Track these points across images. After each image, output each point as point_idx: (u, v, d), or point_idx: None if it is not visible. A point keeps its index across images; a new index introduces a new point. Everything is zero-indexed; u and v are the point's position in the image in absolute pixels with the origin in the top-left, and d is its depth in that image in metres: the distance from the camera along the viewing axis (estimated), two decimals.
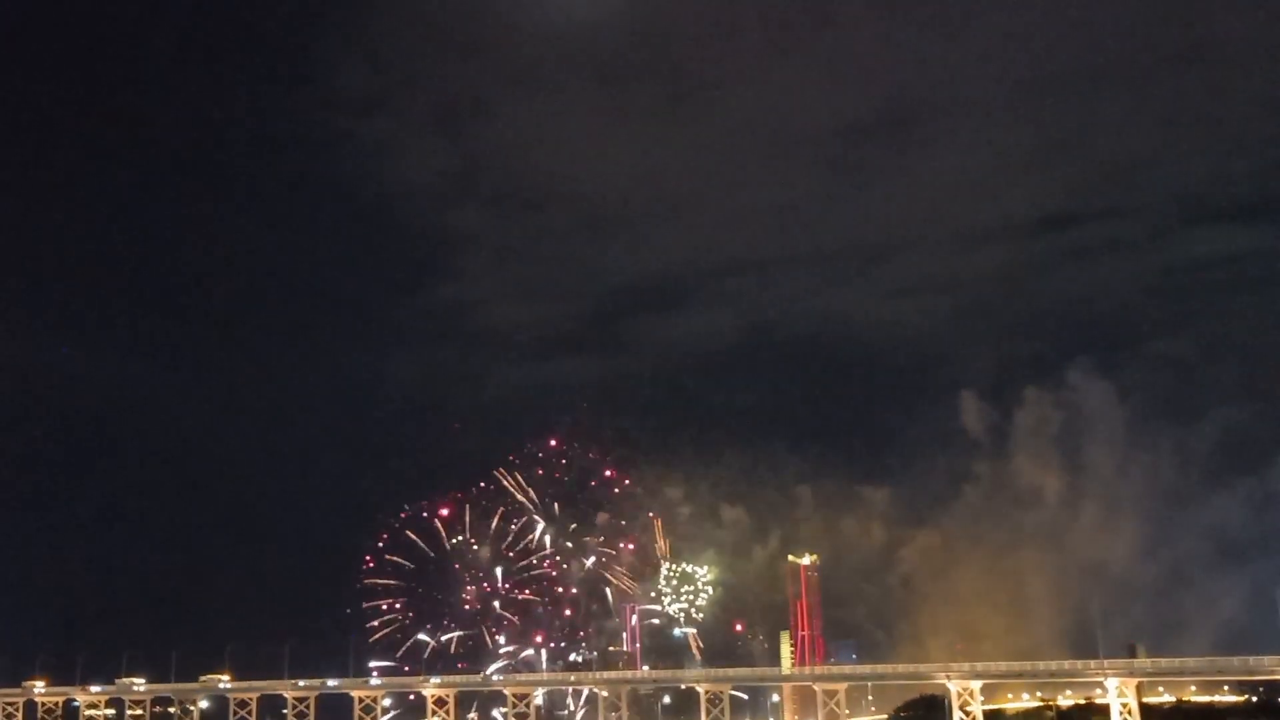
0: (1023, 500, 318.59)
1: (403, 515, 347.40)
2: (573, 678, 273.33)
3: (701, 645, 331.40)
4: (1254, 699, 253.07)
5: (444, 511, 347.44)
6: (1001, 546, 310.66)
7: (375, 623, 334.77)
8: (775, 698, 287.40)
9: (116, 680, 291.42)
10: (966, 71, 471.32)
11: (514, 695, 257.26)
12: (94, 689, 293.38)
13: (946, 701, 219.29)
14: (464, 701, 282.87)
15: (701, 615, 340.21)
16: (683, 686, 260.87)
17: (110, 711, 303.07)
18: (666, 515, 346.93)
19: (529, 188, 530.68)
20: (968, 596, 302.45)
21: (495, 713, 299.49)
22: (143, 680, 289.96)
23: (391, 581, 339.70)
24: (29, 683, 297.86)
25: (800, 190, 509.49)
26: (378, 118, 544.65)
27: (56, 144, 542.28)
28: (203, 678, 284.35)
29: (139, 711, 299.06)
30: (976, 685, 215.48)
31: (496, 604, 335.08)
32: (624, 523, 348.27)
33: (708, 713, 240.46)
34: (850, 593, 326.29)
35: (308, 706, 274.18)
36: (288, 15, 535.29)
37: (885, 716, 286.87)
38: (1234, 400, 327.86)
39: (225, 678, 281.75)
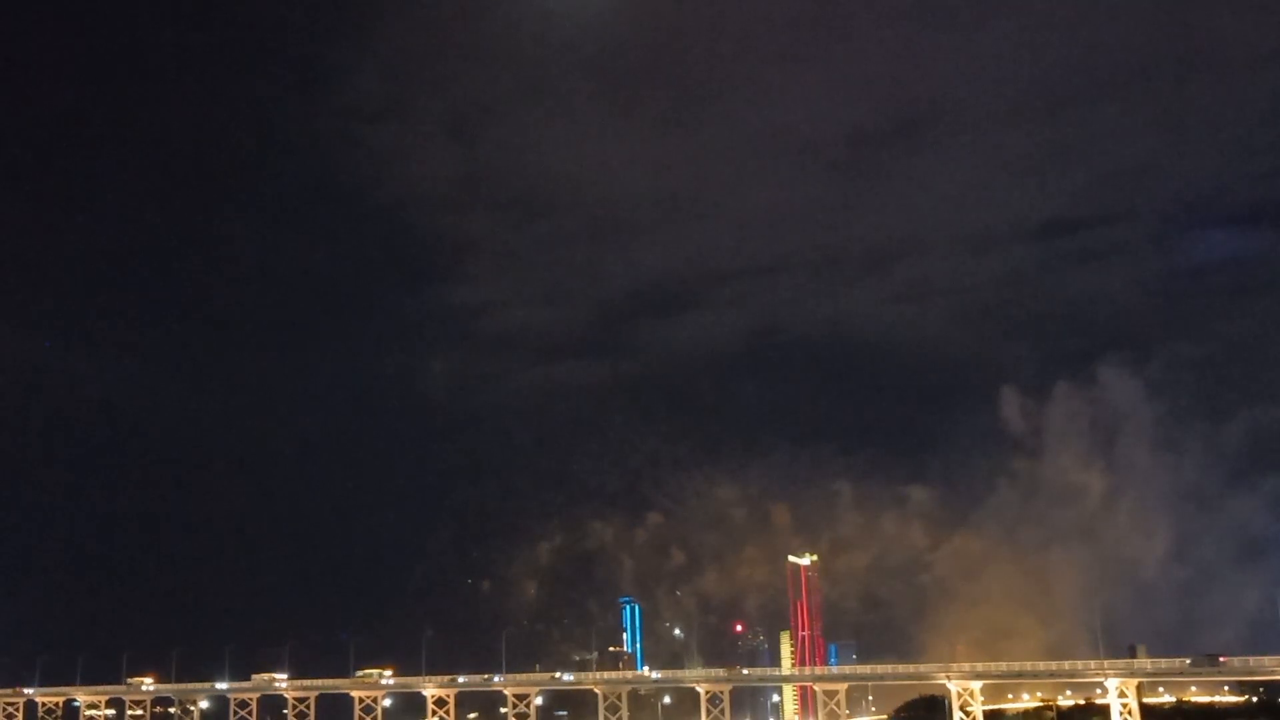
0: (1055, 497, 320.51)
1: None
2: (573, 678, 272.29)
3: None
4: (1254, 699, 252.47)
5: None
6: (1033, 544, 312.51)
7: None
8: (775, 698, 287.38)
9: (253, 676, 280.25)
10: (972, 78, 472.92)
11: (513, 696, 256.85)
12: (221, 685, 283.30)
13: (946, 702, 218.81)
14: (464, 702, 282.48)
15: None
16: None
17: (110, 712, 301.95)
18: (720, 515, 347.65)
19: (537, 193, 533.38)
20: (999, 595, 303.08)
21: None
22: (284, 676, 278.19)
23: None
24: (135, 679, 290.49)
25: (806, 195, 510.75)
26: (388, 124, 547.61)
27: (63, 146, 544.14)
28: (361, 673, 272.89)
29: (139, 712, 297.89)
30: (976, 685, 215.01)
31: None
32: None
33: (708, 713, 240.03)
34: (887, 593, 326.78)
35: (308, 706, 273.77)
36: (299, 24, 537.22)
37: (886, 716, 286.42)
38: (1249, 402, 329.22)
39: (390, 672, 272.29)
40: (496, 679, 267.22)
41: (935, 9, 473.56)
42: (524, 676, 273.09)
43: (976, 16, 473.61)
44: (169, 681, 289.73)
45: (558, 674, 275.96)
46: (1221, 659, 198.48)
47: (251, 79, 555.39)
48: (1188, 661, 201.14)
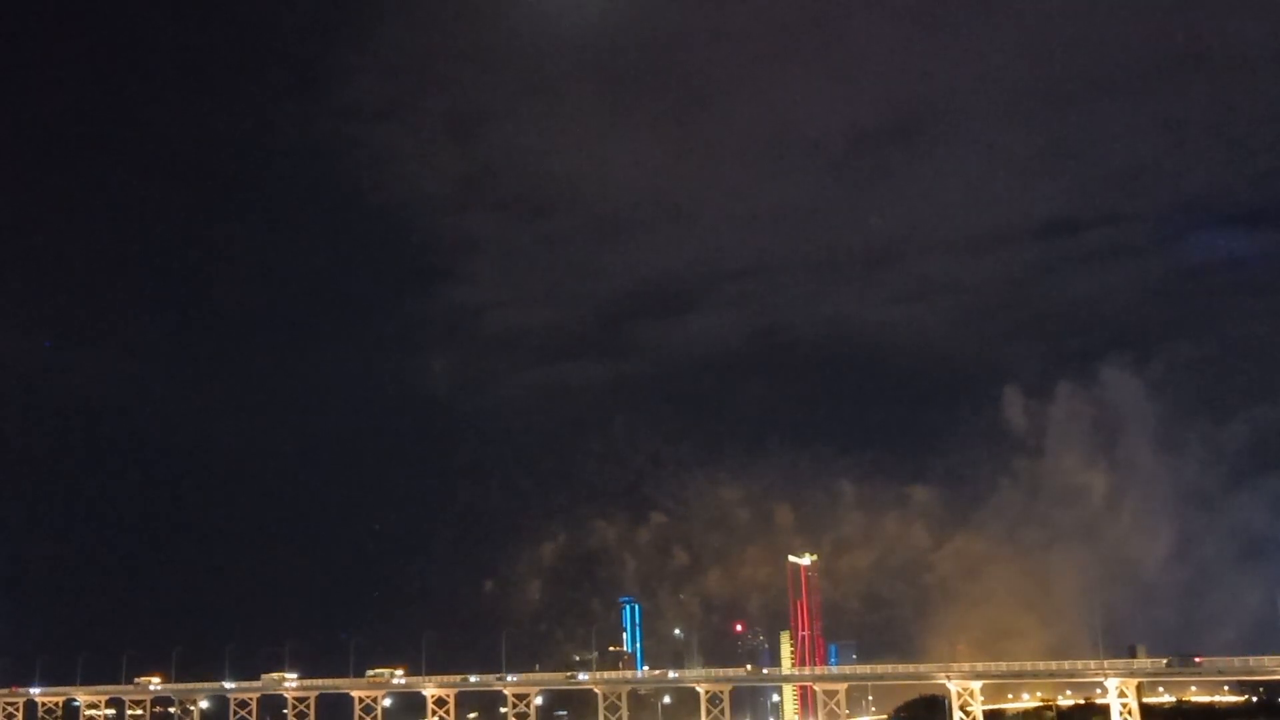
0: (1057, 497, 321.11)
1: None
2: (586, 677, 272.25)
3: None
4: (1255, 699, 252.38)
5: None
6: (1036, 544, 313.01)
7: None
8: (775, 698, 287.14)
9: (263, 676, 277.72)
10: (972, 78, 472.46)
11: (513, 696, 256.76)
12: (229, 685, 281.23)
13: (946, 702, 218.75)
14: (464, 702, 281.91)
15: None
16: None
17: (110, 712, 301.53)
18: (722, 515, 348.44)
19: (537, 193, 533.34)
20: (1001, 595, 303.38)
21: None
22: (295, 676, 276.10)
23: None
24: (142, 679, 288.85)
25: (806, 195, 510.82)
26: (388, 125, 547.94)
27: (63, 146, 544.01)
28: (371, 672, 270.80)
29: (139, 712, 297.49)
30: (976, 685, 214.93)
31: None
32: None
33: (708, 713, 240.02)
34: (889, 593, 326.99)
35: (308, 707, 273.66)
36: (299, 25, 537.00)
37: (886, 716, 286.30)
38: (1250, 402, 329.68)
39: (400, 672, 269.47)
40: (511, 678, 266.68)
41: (935, 9, 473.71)
42: (538, 676, 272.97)
43: (977, 16, 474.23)
44: (179, 681, 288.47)
45: (575, 674, 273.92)
46: (1198, 659, 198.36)
47: (251, 80, 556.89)
48: (1164, 662, 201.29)
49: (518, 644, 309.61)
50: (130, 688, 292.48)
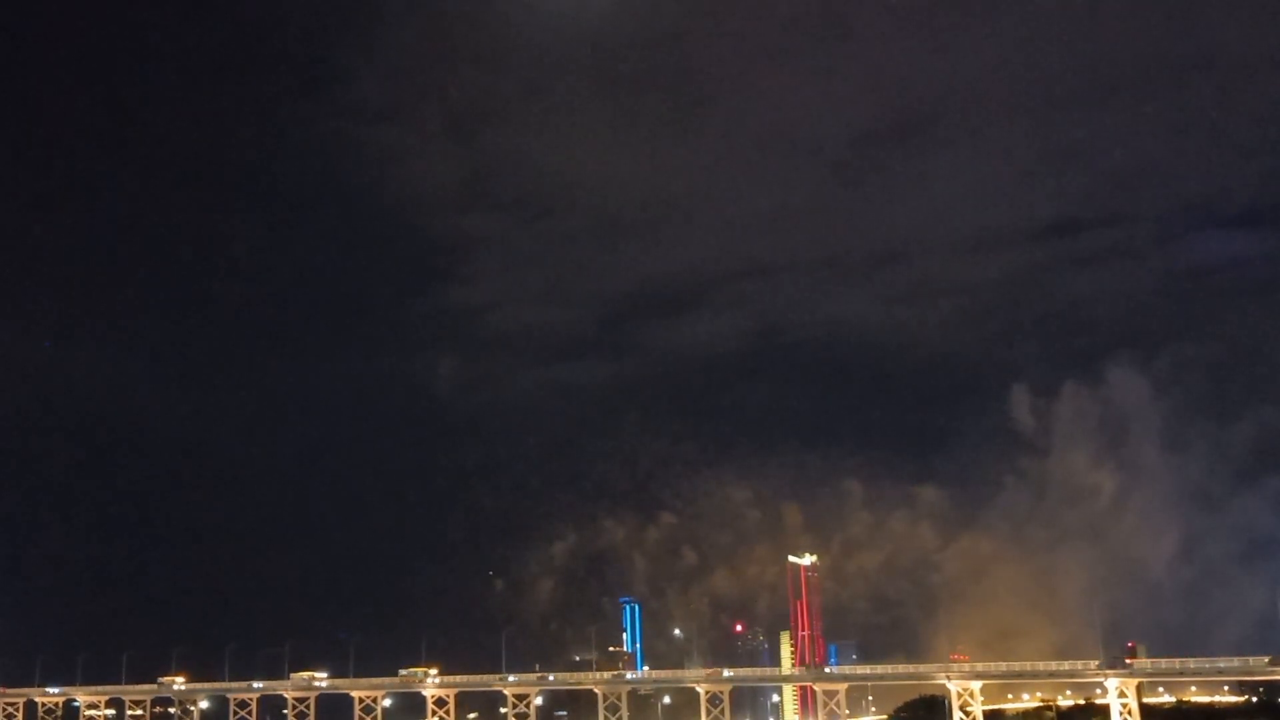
0: (1062, 497, 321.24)
1: None
2: (573, 678, 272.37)
3: None
4: (1254, 699, 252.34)
5: None
6: (1041, 544, 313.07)
7: None
8: (775, 698, 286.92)
9: (292, 675, 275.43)
10: (975, 79, 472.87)
11: (513, 696, 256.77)
12: (256, 684, 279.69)
13: (946, 702, 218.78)
14: (464, 702, 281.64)
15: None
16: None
17: (110, 712, 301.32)
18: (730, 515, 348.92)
19: (540, 194, 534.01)
20: (1007, 594, 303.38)
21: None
22: (325, 675, 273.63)
23: None
24: (166, 679, 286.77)
25: (808, 195, 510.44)
26: (391, 126, 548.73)
27: (63, 146, 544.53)
28: (403, 672, 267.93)
29: (139, 712, 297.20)
30: (976, 685, 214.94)
31: None
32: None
33: (708, 713, 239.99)
34: (895, 593, 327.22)
35: (308, 707, 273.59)
36: (302, 26, 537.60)
37: (886, 717, 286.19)
38: (1255, 402, 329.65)
39: (434, 670, 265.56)
40: (550, 677, 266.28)
41: (935, 9, 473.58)
42: (524, 676, 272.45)
43: (978, 17, 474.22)
44: (201, 680, 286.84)
45: (623, 673, 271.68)
46: (1129, 661, 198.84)
47: (254, 81, 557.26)
48: (1094, 664, 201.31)
49: (522, 644, 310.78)
50: (154, 686, 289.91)
